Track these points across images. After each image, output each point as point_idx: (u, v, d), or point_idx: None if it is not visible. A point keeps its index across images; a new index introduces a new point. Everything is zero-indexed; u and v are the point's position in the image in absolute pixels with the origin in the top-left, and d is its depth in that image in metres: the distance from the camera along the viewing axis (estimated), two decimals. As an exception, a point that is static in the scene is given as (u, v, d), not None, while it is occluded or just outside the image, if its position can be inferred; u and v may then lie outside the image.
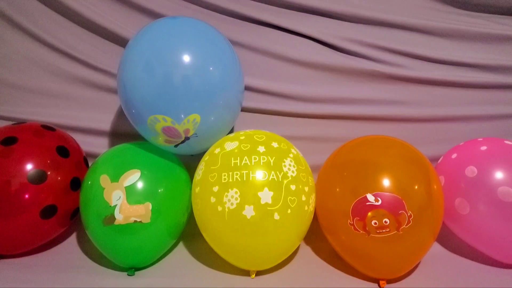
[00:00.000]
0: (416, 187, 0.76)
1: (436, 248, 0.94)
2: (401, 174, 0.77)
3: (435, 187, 0.78)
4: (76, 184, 0.90)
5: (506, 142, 0.88)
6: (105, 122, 1.14)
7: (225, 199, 0.74)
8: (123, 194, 0.79)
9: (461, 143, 0.97)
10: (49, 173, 0.85)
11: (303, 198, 0.78)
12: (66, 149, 0.91)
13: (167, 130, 0.82)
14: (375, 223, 0.73)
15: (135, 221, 0.79)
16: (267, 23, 1.15)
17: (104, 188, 0.80)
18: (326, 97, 1.13)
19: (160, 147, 0.90)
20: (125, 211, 0.78)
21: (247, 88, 1.09)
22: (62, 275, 0.82)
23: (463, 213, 0.84)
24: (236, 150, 0.80)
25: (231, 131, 1.00)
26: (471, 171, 0.84)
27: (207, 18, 1.09)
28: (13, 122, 0.96)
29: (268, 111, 1.12)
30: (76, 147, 0.97)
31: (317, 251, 0.94)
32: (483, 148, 0.88)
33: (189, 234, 0.98)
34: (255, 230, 0.75)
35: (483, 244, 0.86)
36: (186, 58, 0.78)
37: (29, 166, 0.82)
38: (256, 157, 0.78)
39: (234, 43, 1.06)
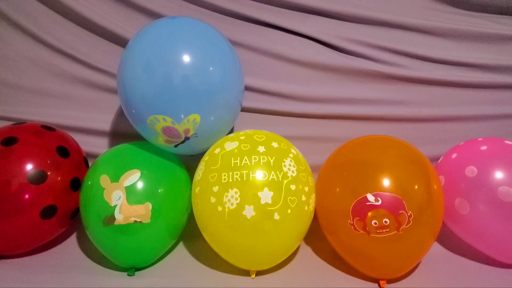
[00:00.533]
0: (416, 187, 0.76)
1: (436, 248, 0.93)
2: (401, 174, 0.77)
3: (435, 187, 0.78)
4: (76, 184, 0.90)
5: (506, 142, 0.88)
6: (105, 122, 1.14)
7: (225, 199, 0.74)
8: (123, 194, 0.79)
9: (461, 143, 0.97)
10: (49, 173, 0.85)
11: (303, 198, 0.78)
12: (66, 149, 0.91)
13: (167, 130, 0.82)
14: (375, 223, 0.73)
15: (135, 221, 0.79)
16: (267, 23, 1.15)
17: (104, 188, 0.80)
18: (326, 97, 1.13)
19: (160, 147, 0.90)
20: (125, 211, 0.79)
21: (247, 88, 1.09)
22: (62, 275, 0.82)
23: (463, 213, 0.84)
24: (236, 150, 0.80)
25: (231, 131, 1.00)
26: (471, 171, 0.84)
27: (207, 18, 1.09)
28: (13, 122, 0.96)
29: (268, 111, 1.12)
30: (76, 147, 0.96)
31: (317, 251, 0.94)
32: (483, 148, 0.88)
33: (189, 234, 0.98)
34: (255, 230, 0.75)
35: (483, 244, 0.86)
36: (186, 58, 0.78)
37: (29, 166, 0.82)
38: (256, 157, 0.78)
39: (234, 43, 1.06)
